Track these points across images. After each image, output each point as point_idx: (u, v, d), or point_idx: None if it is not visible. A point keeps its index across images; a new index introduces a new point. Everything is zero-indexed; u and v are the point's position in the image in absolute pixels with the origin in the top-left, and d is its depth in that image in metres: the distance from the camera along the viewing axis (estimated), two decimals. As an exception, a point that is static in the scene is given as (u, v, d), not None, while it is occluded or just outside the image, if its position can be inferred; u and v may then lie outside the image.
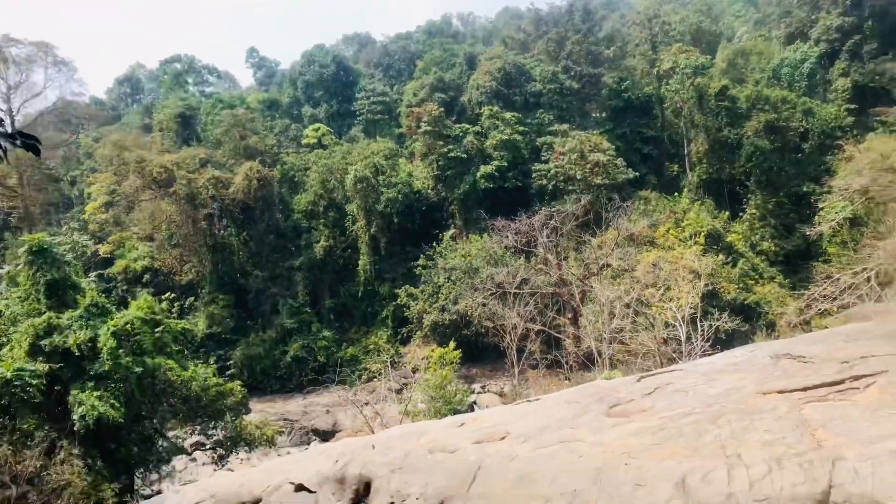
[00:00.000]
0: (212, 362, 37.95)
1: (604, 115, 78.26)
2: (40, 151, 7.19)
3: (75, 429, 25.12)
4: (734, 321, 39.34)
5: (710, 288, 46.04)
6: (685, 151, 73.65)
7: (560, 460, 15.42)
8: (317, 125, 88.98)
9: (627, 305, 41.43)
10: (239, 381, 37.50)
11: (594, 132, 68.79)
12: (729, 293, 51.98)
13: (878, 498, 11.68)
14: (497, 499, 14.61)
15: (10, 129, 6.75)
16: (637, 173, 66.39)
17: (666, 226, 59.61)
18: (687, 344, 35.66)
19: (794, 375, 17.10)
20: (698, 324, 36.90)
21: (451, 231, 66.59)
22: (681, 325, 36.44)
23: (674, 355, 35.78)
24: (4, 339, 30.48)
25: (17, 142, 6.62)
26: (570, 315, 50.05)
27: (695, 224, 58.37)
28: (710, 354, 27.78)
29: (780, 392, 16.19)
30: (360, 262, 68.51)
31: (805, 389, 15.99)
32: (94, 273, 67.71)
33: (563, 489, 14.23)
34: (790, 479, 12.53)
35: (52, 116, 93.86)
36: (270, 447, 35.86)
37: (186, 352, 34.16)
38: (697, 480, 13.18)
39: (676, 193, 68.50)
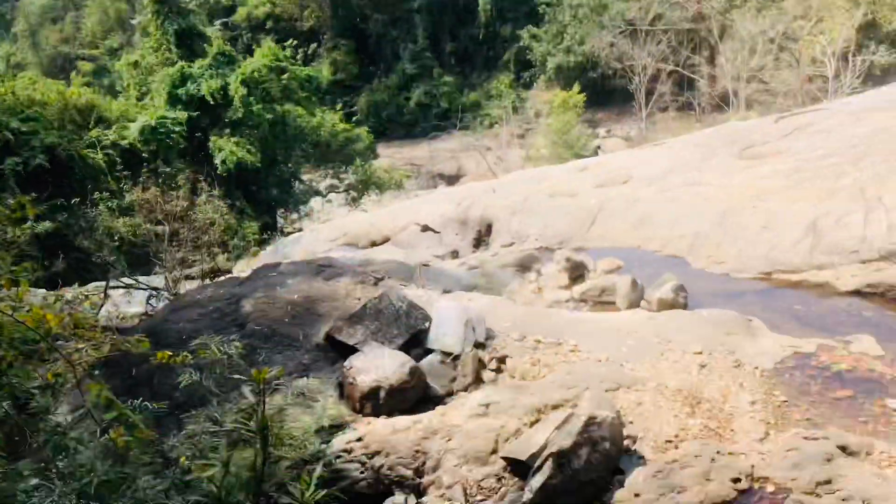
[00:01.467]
0: (338, 109, 38.65)
1: None
2: None
3: (217, 172, 27.06)
4: (892, 54, 35.37)
5: (869, 17, 41.00)
6: None
7: (683, 203, 15.19)
8: None
9: (772, 41, 37.89)
10: (365, 128, 38.39)
11: None
12: (891, 23, 46.20)
13: None
14: (615, 240, 14.79)
15: None
16: None
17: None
18: (835, 81, 32.76)
19: (957, 113, 15.48)
20: (850, 59, 33.50)
21: (579, -37, 61.34)
22: (830, 60, 33.21)
23: (819, 94, 33.13)
24: (145, 89, 32.28)
25: None
26: (706, 53, 46.61)
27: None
28: (859, 92, 25.47)
29: (938, 131, 14.79)
30: (481, 2, 65.33)
31: (968, 128, 14.52)
32: (219, 21, 68.27)
33: (684, 231, 14.16)
34: (935, 222, 11.83)
35: None
36: (399, 190, 37.42)
37: (314, 98, 34.87)
38: (830, 224, 12.69)
39: None
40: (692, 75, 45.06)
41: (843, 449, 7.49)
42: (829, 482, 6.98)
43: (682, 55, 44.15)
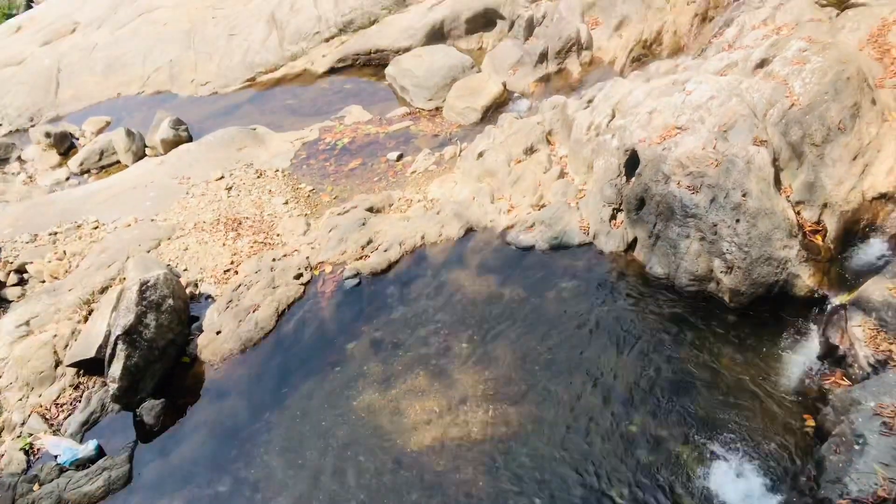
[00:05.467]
0: None
1: None
2: None
3: None
4: None
5: None
6: None
7: (145, 35, 14.21)
8: None
9: None
10: None
11: None
12: None
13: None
14: (92, 97, 13.38)
15: None
16: None
17: None
18: None
19: None
20: None
21: None
22: None
23: None
24: None
25: None
26: None
27: None
28: None
29: None
30: None
31: None
32: None
33: (158, 63, 13.39)
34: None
35: None
36: None
37: None
38: (286, 12, 13.12)
39: None
40: None
41: (370, 210, 8.40)
42: (370, 242, 7.84)
43: None
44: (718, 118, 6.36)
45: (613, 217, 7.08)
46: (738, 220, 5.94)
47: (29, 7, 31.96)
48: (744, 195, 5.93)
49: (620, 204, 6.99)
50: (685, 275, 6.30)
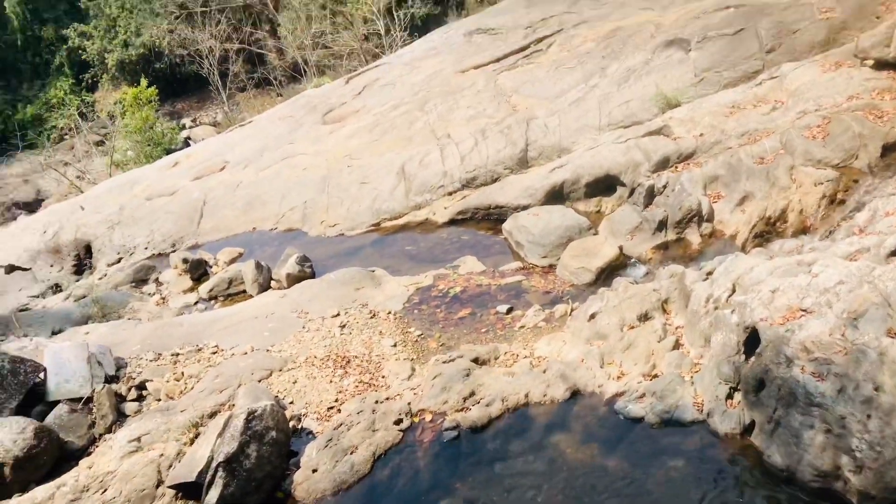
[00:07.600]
0: None
1: None
2: None
3: None
4: (427, 5, 39.62)
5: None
6: None
7: (285, 178, 15.37)
8: None
9: (323, 7, 39.74)
10: None
11: None
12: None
13: (565, 145, 13.23)
14: (229, 229, 14.43)
15: None
16: None
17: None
18: (387, 37, 35.66)
19: (486, 49, 17.94)
20: (394, 14, 36.73)
21: (111, -50, 57.00)
22: (378, 17, 36.02)
23: (376, 50, 35.85)
24: None
25: None
26: (267, 27, 47.22)
27: None
28: (409, 44, 28.07)
29: (476, 67, 17.02)
30: (7, 5, 57.41)
31: (497, 60, 16.94)
32: None
33: (293, 204, 14.37)
34: (494, 146, 13.68)
35: None
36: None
37: None
38: (416, 166, 13.93)
39: None
40: (260, 51, 45.42)
41: (476, 361, 8.40)
42: (472, 394, 7.79)
43: (244, 32, 44.08)
44: (847, 304, 6.09)
45: (730, 396, 6.75)
46: (868, 416, 5.53)
47: (186, 145, 35.42)
48: (876, 389, 5.55)
49: (738, 383, 6.68)
50: (808, 469, 5.84)
